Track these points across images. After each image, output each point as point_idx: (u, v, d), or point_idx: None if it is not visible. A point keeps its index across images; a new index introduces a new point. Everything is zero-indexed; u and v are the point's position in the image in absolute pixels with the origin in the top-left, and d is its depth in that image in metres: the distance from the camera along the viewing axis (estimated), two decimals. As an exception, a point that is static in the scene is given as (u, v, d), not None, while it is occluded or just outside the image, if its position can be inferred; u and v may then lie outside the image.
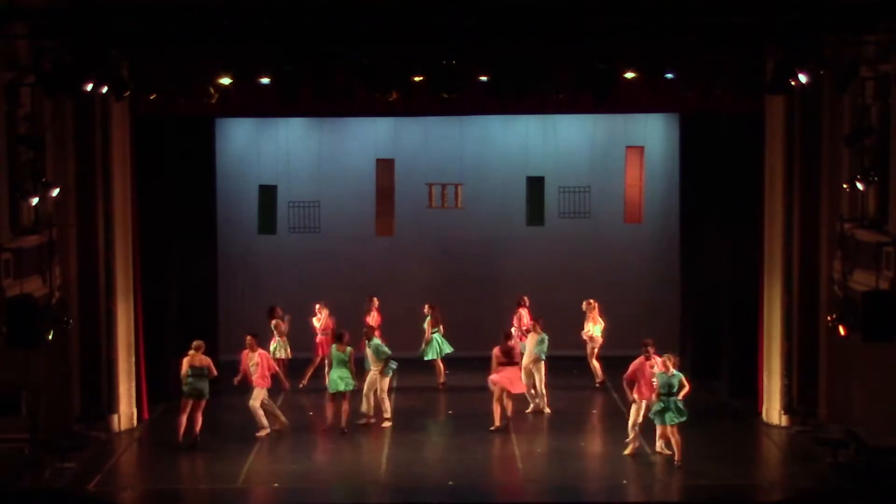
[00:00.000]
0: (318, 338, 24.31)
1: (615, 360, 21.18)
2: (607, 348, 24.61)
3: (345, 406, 21.59)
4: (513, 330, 23.74)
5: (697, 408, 23.22)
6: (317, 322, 24.45)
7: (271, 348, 24.01)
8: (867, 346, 18.71)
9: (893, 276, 18.87)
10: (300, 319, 24.48)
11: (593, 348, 24.55)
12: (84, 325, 21.42)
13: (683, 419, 19.66)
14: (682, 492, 18.84)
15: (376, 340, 22.04)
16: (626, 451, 19.96)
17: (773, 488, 19.23)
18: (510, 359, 21.79)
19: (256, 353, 21.32)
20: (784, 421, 21.95)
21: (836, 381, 21.27)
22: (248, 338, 21.51)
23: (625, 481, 19.15)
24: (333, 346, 21.85)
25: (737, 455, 20.43)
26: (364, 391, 21.96)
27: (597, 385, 24.48)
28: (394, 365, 21.99)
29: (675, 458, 19.53)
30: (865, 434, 19.18)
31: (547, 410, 22.58)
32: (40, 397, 19.64)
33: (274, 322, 24.33)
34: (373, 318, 24.19)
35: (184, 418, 20.82)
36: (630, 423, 20.00)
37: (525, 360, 22.55)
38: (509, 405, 21.74)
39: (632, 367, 20.06)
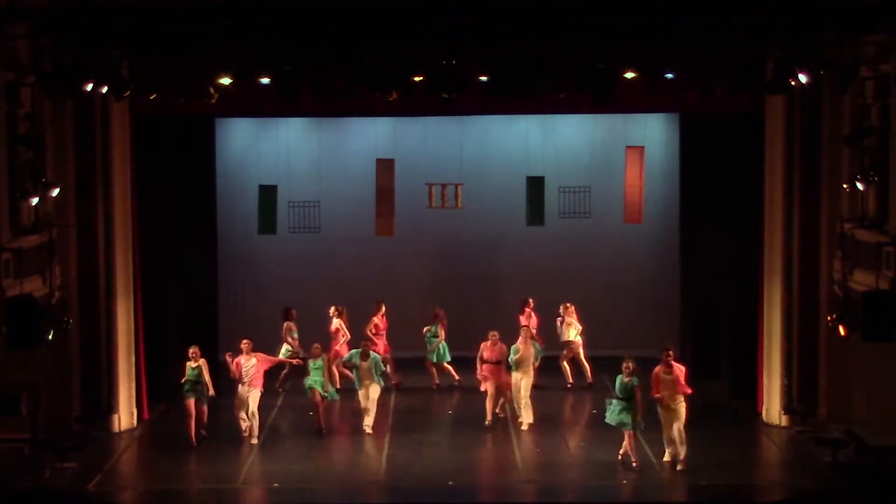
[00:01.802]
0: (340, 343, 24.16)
1: (614, 361, 21.18)
2: (607, 349, 24.62)
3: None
4: (522, 331, 23.76)
5: (697, 408, 23.28)
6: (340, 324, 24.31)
7: (283, 350, 23.95)
8: (867, 346, 18.72)
9: (893, 276, 18.88)
10: (309, 320, 24.50)
11: (571, 351, 24.51)
12: (84, 325, 21.43)
13: (626, 425, 19.59)
14: (682, 492, 18.82)
15: (376, 355, 22.08)
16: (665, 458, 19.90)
17: (773, 488, 19.23)
18: (495, 358, 22.12)
19: (253, 357, 21.20)
20: (784, 421, 21.96)
21: (836, 381, 21.28)
22: (244, 342, 21.34)
23: (625, 481, 19.15)
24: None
25: (737, 455, 20.44)
26: (363, 405, 21.89)
27: (568, 385, 24.54)
28: (381, 382, 22.09)
29: (620, 451, 19.74)
30: (865, 434, 19.19)
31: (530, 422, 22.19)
32: (40, 397, 19.65)
33: (286, 325, 24.29)
34: (376, 324, 24.22)
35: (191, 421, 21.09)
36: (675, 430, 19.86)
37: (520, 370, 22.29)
38: (501, 401, 22.03)
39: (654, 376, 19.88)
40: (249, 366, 21.12)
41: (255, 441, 21.17)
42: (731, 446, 20.87)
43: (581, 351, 24.61)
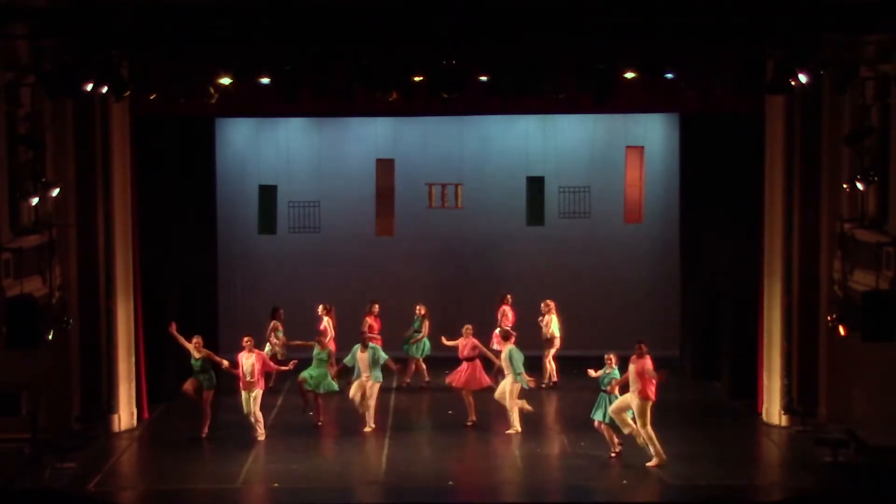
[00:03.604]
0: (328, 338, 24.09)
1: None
2: (606, 349, 24.55)
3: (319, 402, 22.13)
4: (497, 330, 23.91)
5: (697, 408, 23.33)
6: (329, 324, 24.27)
7: (266, 350, 24.01)
8: (867, 346, 18.72)
9: (893, 276, 18.88)
10: (303, 319, 24.48)
11: (552, 347, 24.50)
12: (84, 325, 21.42)
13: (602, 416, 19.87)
14: (682, 492, 18.82)
15: (374, 346, 21.98)
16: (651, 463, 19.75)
17: (773, 488, 19.22)
18: (465, 354, 22.16)
19: (254, 355, 21.20)
20: (784, 421, 21.95)
21: (836, 381, 21.28)
22: (246, 339, 21.41)
23: (625, 481, 19.15)
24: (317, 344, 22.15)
25: (737, 455, 20.42)
26: (358, 401, 21.76)
27: (551, 385, 24.42)
28: (380, 377, 21.91)
29: (613, 450, 19.83)
30: (865, 434, 19.19)
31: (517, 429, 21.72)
32: (40, 397, 19.65)
33: (272, 324, 24.31)
34: (370, 325, 24.23)
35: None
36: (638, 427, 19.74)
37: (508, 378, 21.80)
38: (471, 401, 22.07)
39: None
40: (249, 363, 21.10)
41: (261, 437, 21.16)
42: (731, 446, 20.85)
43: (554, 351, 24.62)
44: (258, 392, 21.17)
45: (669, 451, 20.05)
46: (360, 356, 21.72)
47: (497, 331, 24.10)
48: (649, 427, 19.48)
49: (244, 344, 21.28)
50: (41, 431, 19.65)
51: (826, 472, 19.26)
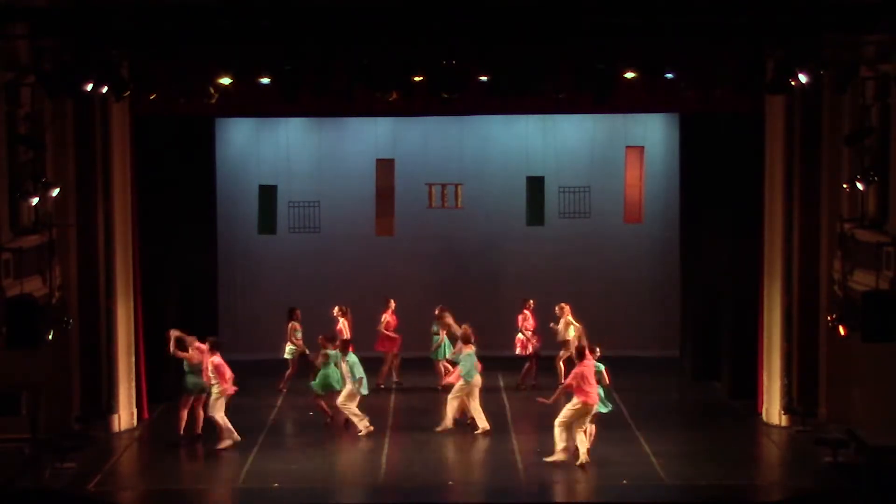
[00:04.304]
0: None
1: (613, 361, 21.29)
2: (607, 349, 24.54)
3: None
4: (519, 334, 23.93)
5: (697, 408, 23.33)
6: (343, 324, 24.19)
7: (287, 350, 23.99)
8: (867, 346, 18.72)
9: (893, 276, 18.88)
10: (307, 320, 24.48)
11: (567, 351, 24.42)
12: (84, 325, 21.41)
13: (607, 410, 19.98)
14: (682, 492, 18.83)
15: (353, 357, 21.66)
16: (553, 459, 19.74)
17: (773, 488, 19.23)
18: None
19: (217, 356, 20.73)
20: (784, 421, 21.95)
21: (836, 381, 21.29)
22: (209, 340, 20.98)
23: (624, 481, 19.14)
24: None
25: (737, 455, 20.43)
26: (340, 402, 21.68)
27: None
28: (364, 390, 21.65)
29: (583, 450, 19.65)
30: (865, 434, 19.19)
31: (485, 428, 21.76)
32: (40, 397, 19.66)
33: (291, 325, 24.25)
34: (388, 322, 24.33)
35: (184, 413, 20.92)
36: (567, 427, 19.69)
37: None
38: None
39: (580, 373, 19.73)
40: (211, 366, 20.70)
41: (223, 445, 20.72)
42: (731, 446, 20.86)
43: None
44: (213, 395, 20.63)
45: (669, 451, 20.10)
46: (342, 366, 21.59)
47: (518, 335, 24.18)
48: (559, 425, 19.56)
49: (209, 345, 20.86)
50: (41, 431, 19.65)
51: (826, 472, 19.27)
